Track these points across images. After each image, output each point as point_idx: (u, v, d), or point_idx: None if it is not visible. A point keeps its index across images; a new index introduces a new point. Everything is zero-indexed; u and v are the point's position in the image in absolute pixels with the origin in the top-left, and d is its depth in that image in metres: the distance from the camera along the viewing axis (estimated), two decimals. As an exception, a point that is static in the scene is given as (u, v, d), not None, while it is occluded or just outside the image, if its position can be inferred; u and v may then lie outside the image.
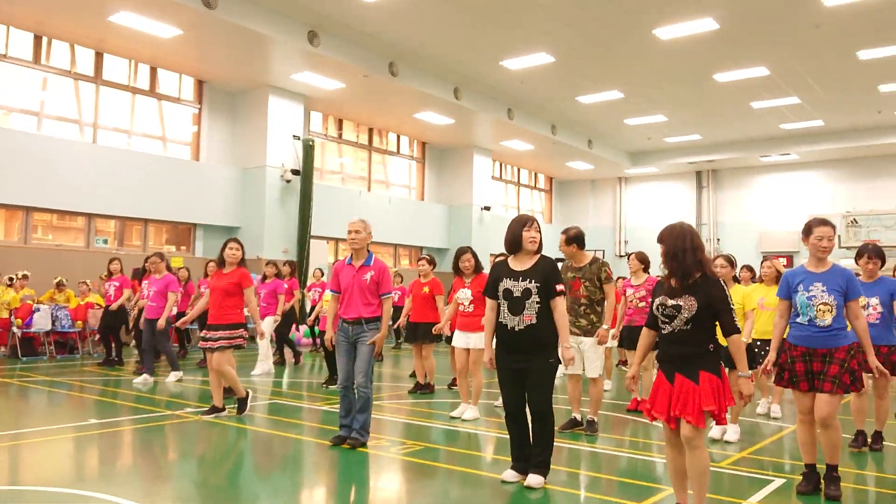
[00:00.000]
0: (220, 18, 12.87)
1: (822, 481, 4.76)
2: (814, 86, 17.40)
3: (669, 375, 3.99)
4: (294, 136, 17.46)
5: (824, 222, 4.77)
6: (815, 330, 4.66)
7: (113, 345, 11.53)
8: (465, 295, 7.69)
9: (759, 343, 7.20)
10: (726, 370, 4.13)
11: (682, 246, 3.96)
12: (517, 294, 4.80)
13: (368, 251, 6.16)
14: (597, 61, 16.10)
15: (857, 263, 6.12)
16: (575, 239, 6.58)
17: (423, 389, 9.06)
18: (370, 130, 21.26)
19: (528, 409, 4.90)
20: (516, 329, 4.78)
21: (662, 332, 4.06)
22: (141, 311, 10.54)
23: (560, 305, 4.82)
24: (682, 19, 13.53)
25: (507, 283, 4.86)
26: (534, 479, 4.78)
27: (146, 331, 9.70)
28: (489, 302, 5.02)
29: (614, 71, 16.77)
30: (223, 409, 7.27)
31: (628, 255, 8.67)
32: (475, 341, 7.49)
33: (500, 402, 7.96)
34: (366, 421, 5.94)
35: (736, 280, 7.15)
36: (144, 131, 16.18)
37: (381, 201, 20.95)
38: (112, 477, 5.09)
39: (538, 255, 4.94)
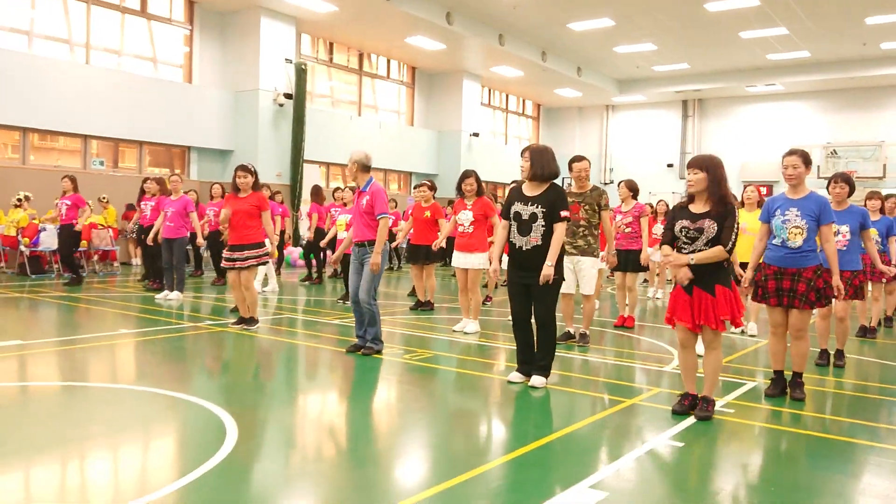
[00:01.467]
0: (214, -62, 12.78)
1: (788, 386, 5.39)
2: (802, 16, 17.59)
3: (688, 288, 4.65)
4: (286, 59, 17.47)
5: (792, 152, 5.25)
6: (787, 251, 5.18)
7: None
8: (466, 216, 8.13)
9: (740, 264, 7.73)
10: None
11: (722, 175, 4.60)
12: (525, 217, 5.31)
13: (370, 177, 6.50)
14: (590, -12, 16.15)
15: (827, 191, 6.57)
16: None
17: (423, 307, 9.62)
18: (360, 54, 21.21)
19: (533, 320, 5.45)
20: (523, 249, 5.32)
21: (683, 251, 4.66)
22: (143, 230, 10.92)
23: (559, 229, 5.29)
24: (677, -53, 13.61)
25: (517, 207, 5.37)
26: (537, 380, 5.38)
27: (165, 250, 10.07)
28: (502, 221, 5.53)
29: (607, -2, 16.83)
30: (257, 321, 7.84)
31: (618, 183, 9.07)
32: (473, 261, 8.01)
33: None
34: (376, 332, 6.47)
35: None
36: (135, 52, 16.12)
37: (372, 126, 21.10)
38: (161, 377, 5.61)
39: (549, 183, 5.38)
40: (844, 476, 3.82)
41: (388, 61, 22.23)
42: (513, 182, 7.99)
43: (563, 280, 5.44)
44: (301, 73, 17.64)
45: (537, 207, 5.27)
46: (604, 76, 25.11)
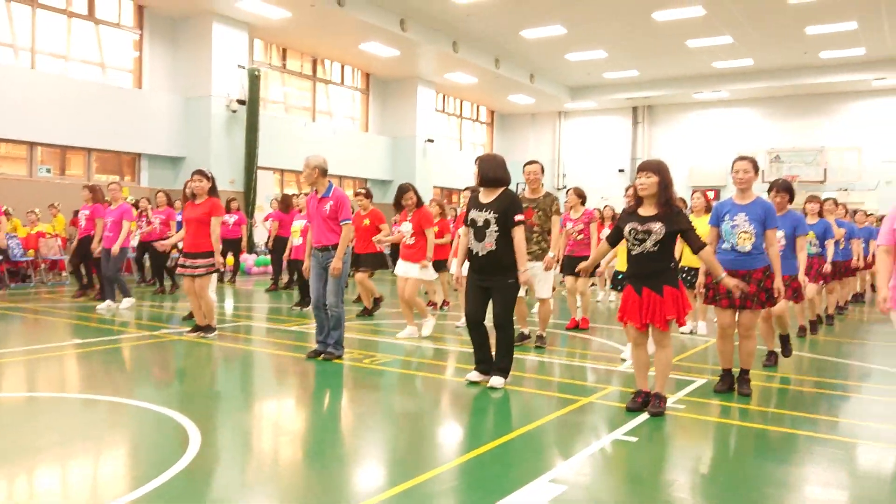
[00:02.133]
0: (165, -58, 12.64)
1: (735, 382, 5.60)
2: (746, 26, 18.19)
3: (638, 289, 4.85)
4: (239, 65, 17.33)
5: (742, 158, 5.48)
6: (736, 254, 5.39)
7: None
8: (406, 228, 8.05)
9: (686, 269, 7.96)
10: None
11: (670, 179, 4.80)
12: (480, 223, 5.45)
13: (329, 182, 6.57)
14: (542, -4, 16.42)
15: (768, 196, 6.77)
16: (542, 171, 7.30)
17: (368, 314, 9.61)
18: (314, 60, 21.15)
19: (489, 321, 5.57)
20: (480, 254, 5.45)
21: (632, 252, 4.85)
22: (80, 241, 10.67)
23: (517, 234, 5.41)
24: (625, -42, 13.96)
25: (473, 214, 5.52)
26: (497, 381, 5.50)
27: (103, 259, 9.88)
28: (463, 228, 5.67)
29: (558, 6, 17.12)
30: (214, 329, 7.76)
31: (566, 190, 9.20)
32: (412, 271, 7.93)
33: (461, 322, 8.66)
34: (339, 337, 6.52)
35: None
36: (83, 57, 15.81)
37: (326, 132, 21.05)
38: (119, 386, 5.53)
39: (502, 189, 5.52)
40: (788, 466, 4.01)
41: (343, 67, 22.22)
42: (466, 188, 8.22)
43: (520, 284, 5.55)
44: (254, 80, 17.52)
45: (490, 213, 5.40)
46: (556, 83, 25.52)
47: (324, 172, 6.51)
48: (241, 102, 17.25)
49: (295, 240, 9.85)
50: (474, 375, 5.66)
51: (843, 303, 11.06)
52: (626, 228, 4.86)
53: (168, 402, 4.96)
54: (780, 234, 6.41)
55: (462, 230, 5.69)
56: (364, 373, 6.16)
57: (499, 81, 23.43)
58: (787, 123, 24.74)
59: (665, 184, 4.75)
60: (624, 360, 6.71)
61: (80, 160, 15.98)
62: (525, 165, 7.33)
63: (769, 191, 6.63)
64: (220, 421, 4.66)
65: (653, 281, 4.77)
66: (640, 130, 27.36)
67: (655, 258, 4.76)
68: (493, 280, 5.44)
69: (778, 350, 6.86)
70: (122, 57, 16.65)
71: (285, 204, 12.40)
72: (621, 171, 27.43)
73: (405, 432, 4.52)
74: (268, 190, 18.40)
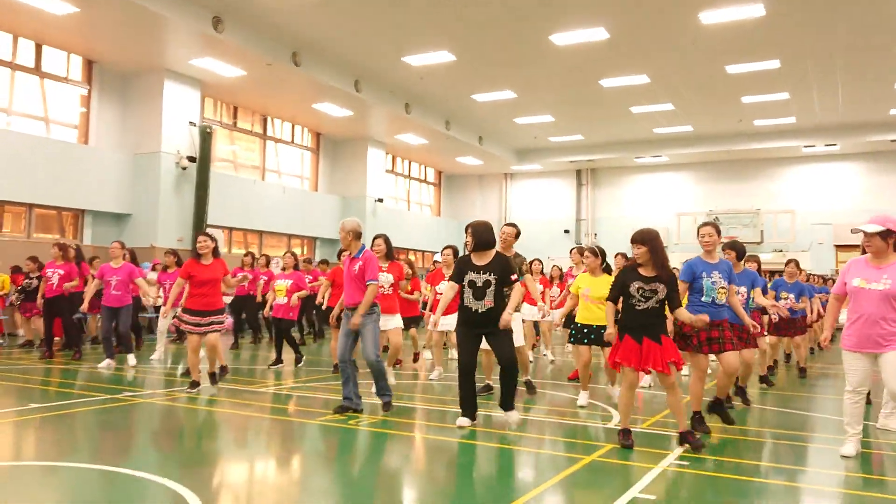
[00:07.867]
0: (122, -4, 12.48)
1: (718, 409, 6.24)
2: (686, 94, 19.06)
3: (638, 338, 5.35)
4: (190, 122, 17.08)
5: (706, 224, 6.08)
6: (716, 307, 5.89)
7: None
8: (385, 279, 8.10)
9: (582, 326, 7.88)
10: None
11: (659, 245, 5.37)
12: (480, 284, 5.89)
13: (362, 245, 6.84)
14: (495, 62, 16.86)
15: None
16: (517, 235, 7.63)
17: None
18: (264, 119, 21.06)
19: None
20: (479, 311, 5.87)
21: (637, 308, 5.31)
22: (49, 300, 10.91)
23: (515, 290, 6.08)
24: (577, 27, 14.51)
25: (471, 276, 5.93)
26: (513, 416, 6.10)
27: (107, 318, 10.02)
28: (448, 283, 6.22)
29: (510, 72, 17.61)
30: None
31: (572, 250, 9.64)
32: (393, 323, 8.17)
33: (435, 374, 8.91)
34: (384, 384, 6.86)
35: (607, 270, 8.01)
36: (26, 111, 15.30)
37: (275, 191, 20.84)
38: (103, 452, 5.13)
39: (495, 252, 6.02)
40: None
41: (293, 126, 22.18)
42: (446, 247, 9.16)
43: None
44: (206, 137, 17.26)
45: (490, 275, 5.89)
46: (503, 145, 26.06)
47: (357, 236, 6.79)
48: (192, 159, 16.93)
49: (279, 298, 9.94)
50: (465, 421, 6.02)
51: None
52: (633, 287, 5.33)
53: (162, 471, 4.61)
54: (742, 288, 7.25)
55: (450, 285, 6.11)
56: (360, 435, 5.92)
57: (448, 143, 23.77)
58: (724, 187, 25.79)
59: (656, 250, 5.32)
60: (582, 407, 7.18)
61: (17, 217, 15.27)
62: (503, 226, 7.65)
63: (723, 249, 7.27)
64: (222, 490, 4.34)
65: (651, 331, 5.28)
66: (583, 192, 28.08)
67: (657, 313, 5.31)
68: (491, 329, 5.88)
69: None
70: (68, 112, 16.19)
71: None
72: (566, 231, 27.96)
73: (424, 496, 4.30)
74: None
